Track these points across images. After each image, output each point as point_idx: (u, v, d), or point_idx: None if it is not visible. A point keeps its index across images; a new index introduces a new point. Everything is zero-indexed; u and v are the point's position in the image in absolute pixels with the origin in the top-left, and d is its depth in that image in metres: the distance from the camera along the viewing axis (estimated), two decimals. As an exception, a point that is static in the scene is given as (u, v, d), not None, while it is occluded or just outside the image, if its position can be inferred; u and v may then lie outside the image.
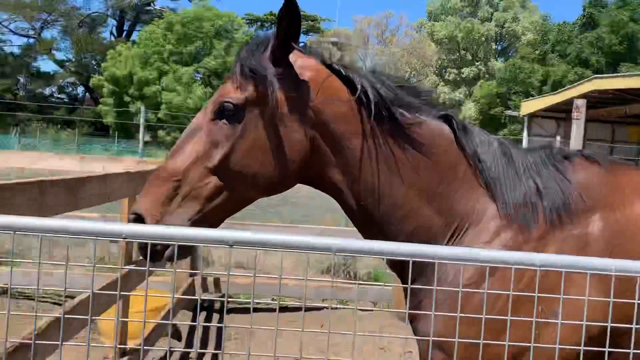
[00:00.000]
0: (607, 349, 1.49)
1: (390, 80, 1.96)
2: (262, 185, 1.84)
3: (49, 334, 2.45)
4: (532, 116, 28.56)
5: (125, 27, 61.50)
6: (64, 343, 2.61)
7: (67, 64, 58.24)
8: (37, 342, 2.32)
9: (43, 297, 6.07)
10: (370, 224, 1.93)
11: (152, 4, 60.78)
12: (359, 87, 1.88)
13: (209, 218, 1.77)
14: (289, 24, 1.78)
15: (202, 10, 45.96)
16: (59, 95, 60.53)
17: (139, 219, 1.75)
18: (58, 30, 59.55)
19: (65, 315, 2.50)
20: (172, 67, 43.44)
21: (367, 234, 1.95)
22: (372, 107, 1.85)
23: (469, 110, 52.66)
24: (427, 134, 1.92)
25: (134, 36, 58.32)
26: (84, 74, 55.91)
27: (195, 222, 1.75)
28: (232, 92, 1.83)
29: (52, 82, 57.74)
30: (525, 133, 29.34)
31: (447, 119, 2.00)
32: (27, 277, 5.41)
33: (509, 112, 39.14)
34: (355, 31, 46.30)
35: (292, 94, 1.82)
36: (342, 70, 1.93)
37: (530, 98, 31.72)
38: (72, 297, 5.07)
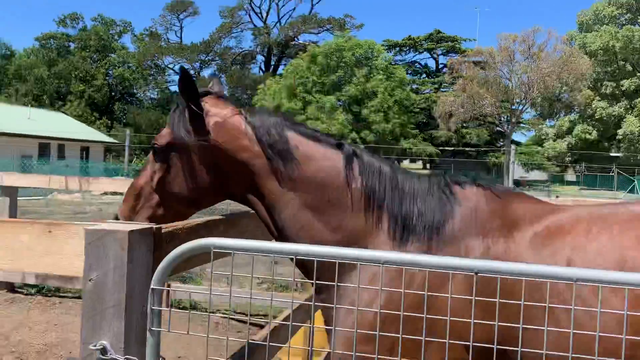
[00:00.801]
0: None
1: (289, 120, 2.30)
2: (186, 203, 2.32)
3: (255, 354, 2.74)
4: None
5: (272, 62, 65.69)
6: None
7: (222, 99, 63.69)
8: None
9: (223, 312, 6.69)
10: (279, 233, 2.23)
11: (296, 39, 64.36)
12: (250, 122, 2.25)
13: (161, 222, 2.15)
14: (188, 95, 2.25)
15: (343, 42, 47.60)
16: (215, 128, 66.19)
17: (116, 218, 2.40)
18: (214, 69, 65.55)
19: (271, 343, 2.77)
20: (315, 97, 45.39)
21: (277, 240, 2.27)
22: (262, 135, 2.20)
23: (631, 125, 47.84)
24: (317, 157, 2.18)
25: (280, 70, 62.10)
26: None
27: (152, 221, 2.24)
28: (159, 138, 2.35)
29: (209, 116, 63.54)
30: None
31: (340, 147, 2.23)
32: (204, 292, 6.04)
33: (681, 126, 34.85)
34: (499, 48, 44.68)
35: (202, 137, 2.22)
36: (241, 110, 2.30)
37: None
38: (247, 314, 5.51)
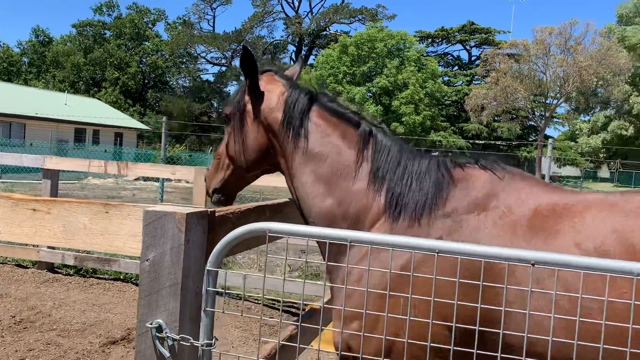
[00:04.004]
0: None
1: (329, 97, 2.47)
2: (244, 168, 2.55)
3: (291, 341, 2.78)
4: None
5: (304, 52, 65.63)
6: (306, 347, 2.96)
7: (253, 88, 63.97)
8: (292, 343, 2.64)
9: (257, 299, 6.79)
10: (299, 204, 2.42)
11: (327, 29, 64.12)
12: (286, 98, 2.43)
13: (230, 183, 2.62)
14: (247, 70, 2.46)
15: (375, 32, 47.24)
16: (245, 117, 66.66)
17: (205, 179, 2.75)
18: (245, 58, 65.92)
19: (303, 324, 2.80)
20: (346, 87, 45.23)
21: (299, 210, 2.45)
22: (289, 110, 2.39)
23: (670, 122, 46.37)
24: (339, 134, 2.34)
25: (311, 60, 61.99)
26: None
27: (223, 185, 2.63)
28: (225, 109, 2.64)
29: (239, 105, 63.91)
30: None
31: (359, 126, 2.36)
32: (238, 277, 6.12)
33: None
34: (534, 41, 43.74)
35: (255, 108, 2.47)
36: (287, 87, 2.48)
37: None
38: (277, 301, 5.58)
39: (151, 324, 1.74)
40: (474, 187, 2.09)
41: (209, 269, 1.71)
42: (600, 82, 45.22)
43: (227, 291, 6.94)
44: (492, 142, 54.70)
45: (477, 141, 53.99)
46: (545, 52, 43.56)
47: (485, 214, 2.00)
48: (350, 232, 1.67)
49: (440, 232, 2.01)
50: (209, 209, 1.88)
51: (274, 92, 2.46)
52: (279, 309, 6.58)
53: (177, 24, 66.23)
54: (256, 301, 6.71)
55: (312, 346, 5.06)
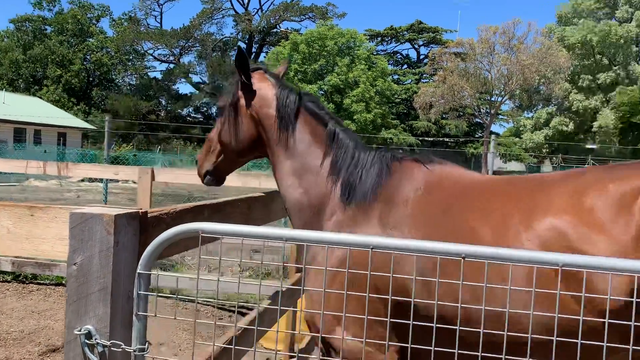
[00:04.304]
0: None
1: (309, 97, 2.78)
2: (235, 152, 2.87)
3: (239, 340, 2.74)
4: (685, 124, 25.78)
5: (254, 49, 65.14)
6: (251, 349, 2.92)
7: (203, 85, 62.93)
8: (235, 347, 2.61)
9: (208, 300, 6.67)
10: (280, 190, 2.74)
11: (278, 27, 63.88)
12: (277, 97, 2.73)
13: (220, 166, 2.94)
14: (241, 68, 2.74)
15: (325, 30, 47.39)
16: (195, 115, 65.50)
17: (196, 161, 3.05)
18: (194, 56, 64.72)
19: (247, 327, 2.77)
20: (298, 85, 45.22)
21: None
22: (282, 104, 2.69)
23: (606, 118, 48.63)
24: (310, 131, 2.66)
25: (262, 57, 61.62)
26: (217, 95, 60.03)
27: (215, 168, 2.94)
28: (220, 101, 2.96)
29: (189, 103, 62.73)
30: (676, 142, 26.52)
31: (325, 124, 2.67)
32: (192, 282, 5.98)
33: (655, 120, 35.56)
34: (479, 40, 44.95)
35: (247, 102, 2.77)
36: (277, 86, 2.78)
37: (682, 104, 28.60)
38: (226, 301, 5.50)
39: (80, 330, 1.67)
40: (406, 176, 2.41)
41: (140, 272, 1.66)
42: (542, 80, 46.94)
43: (159, 294, 6.81)
44: (441, 138, 55.94)
45: (426, 138, 55.07)
46: (490, 51, 44.82)
47: (413, 198, 2.33)
48: (286, 231, 1.65)
49: (377, 216, 2.34)
50: (141, 210, 1.82)
51: (265, 89, 2.76)
52: (229, 310, 6.51)
53: (122, 20, 64.33)
54: (206, 303, 6.61)
55: (261, 345, 5.03)
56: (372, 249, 1.59)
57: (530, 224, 2.00)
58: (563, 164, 51.05)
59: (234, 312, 6.34)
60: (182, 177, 6.98)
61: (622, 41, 51.11)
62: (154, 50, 64.17)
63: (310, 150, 2.63)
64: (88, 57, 59.42)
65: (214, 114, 65.00)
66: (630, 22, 52.62)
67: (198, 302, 6.53)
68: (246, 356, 4.98)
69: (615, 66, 52.50)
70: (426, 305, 2.02)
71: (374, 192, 2.38)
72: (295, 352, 4.04)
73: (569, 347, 1.66)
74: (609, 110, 48.93)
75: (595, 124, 50.13)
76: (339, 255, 2.27)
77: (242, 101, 2.77)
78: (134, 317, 1.67)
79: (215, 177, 2.97)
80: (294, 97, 2.69)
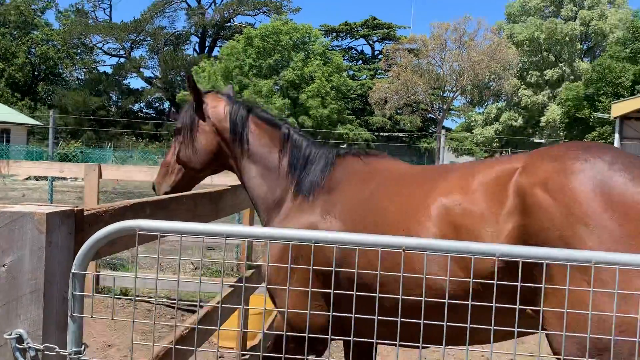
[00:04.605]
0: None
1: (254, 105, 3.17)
2: (196, 170, 3.17)
3: (185, 340, 2.69)
4: (624, 118, 26.98)
5: (207, 44, 64.18)
6: (198, 349, 2.88)
7: (155, 80, 61.58)
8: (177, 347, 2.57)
9: (159, 300, 6.53)
10: (247, 191, 3.07)
11: (231, 21, 63.13)
12: (230, 112, 3.08)
13: (179, 185, 3.19)
14: (194, 93, 3.10)
15: (280, 24, 47.14)
16: (147, 110, 64.08)
17: (154, 187, 3.34)
18: (146, 50, 63.26)
19: (199, 326, 2.73)
20: (253, 80, 44.83)
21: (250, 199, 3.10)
22: (235, 117, 3.03)
23: (553, 113, 50.36)
24: (267, 136, 3.00)
25: (216, 52, 60.81)
26: (170, 90, 58.83)
27: (173, 188, 3.18)
28: (177, 123, 3.24)
29: (140, 98, 61.27)
30: (616, 136, 27.75)
31: (280, 128, 3.01)
32: (143, 280, 5.86)
33: (598, 115, 37.11)
34: (432, 36, 45.73)
35: (202, 120, 3.10)
36: (229, 103, 3.12)
37: (622, 99, 29.93)
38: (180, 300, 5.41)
39: (10, 334, 1.60)
40: (346, 169, 2.75)
41: (75, 272, 1.60)
42: (492, 76, 48.19)
43: (96, 294, 6.65)
44: (395, 134, 56.64)
45: (381, 133, 55.68)
46: (442, 48, 45.68)
47: (348, 187, 2.66)
48: (226, 227, 1.63)
49: (319, 205, 2.66)
50: (76, 208, 1.76)
51: (219, 107, 3.09)
52: (179, 309, 6.40)
53: (69, 13, 62.16)
54: (158, 302, 6.48)
55: (213, 340, 4.97)
56: (314, 243, 1.59)
57: (427, 203, 2.30)
58: (512, 158, 52.53)
59: (186, 311, 6.24)
60: (132, 173, 6.80)
61: (567, 39, 53.04)
62: (103, 44, 62.42)
63: (270, 153, 2.96)
64: (33, 50, 57.14)
65: (167, 109, 63.79)
66: (574, 21, 54.64)
67: (152, 303, 6.40)
68: (198, 354, 4.91)
69: (561, 62, 54.42)
70: (348, 275, 2.38)
71: (317, 185, 2.71)
72: (247, 350, 4.02)
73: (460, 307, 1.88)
74: (556, 105, 50.69)
75: (543, 119, 51.84)
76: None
77: (199, 121, 3.10)
78: (69, 319, 1.61)
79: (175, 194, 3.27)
80: (244, 110, 3.04)
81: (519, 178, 2.09)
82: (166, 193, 3.13)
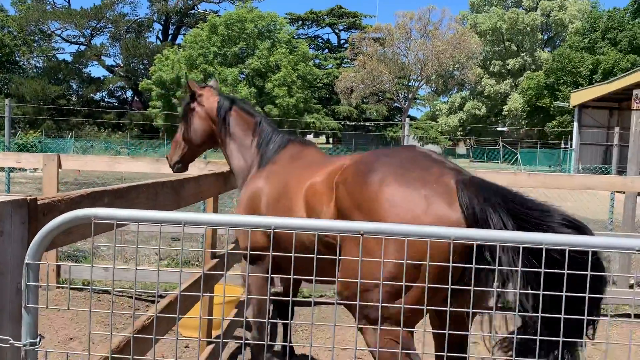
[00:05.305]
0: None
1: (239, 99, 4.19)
2: (196, 145, 4.21)
3: (146, 330, 2.66)
4: (583, 107, 27.77)
5: (171, 31, 62.97)
6: (158, 337, 2.86)
7: (117, 68, 60.13)
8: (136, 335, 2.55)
9: (121, 291, 6.44)
10: (229, 164, 4.06)
11: (195, 8, 62.05)
12: (218, 103, 4.07)
13: (185, 157, 4.30)
14: (191, 90, 4.15)
15: (245, 12, 46.61)
16: (109, 100, 62.59)
17: (167, 157, 4.48)
18: (107, 37, 61.66)
19: (159, 315, 2.71)
20: (218, 68, 44.26)
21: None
22: (221, 107, 4.02)
23: (515, 102, 51.49)
24: (244, 122, 3.97)
25: (179, 40, 59.71)
26: (133, 78, 57.57)
27: (181, 159, 4.30)
28: (182, 111, 4.28)
29: (102, 87, 59.73)
30: (575, 124, 28.55)
31: (254, 117, 3.98)
32: (106, 272, 5.75)
33: (557, 104, 38.08)
34: (397, 26, 45.99)
35: (198, 108, 4.11)
36: (219, 96, 4.11)
37: (581, 88, 30.78)
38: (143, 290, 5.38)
39: (-40, 328, 1.56)
40: (288, 151, 3.67)
41: (28, 262, 1.57)
42: (456, 66, 48.85)
43: (56, 286, 6.53)
44: (362, 123, 56.97)
45: (348, 122, 55.90)
46: (407, 37, 46.02)
47: (284, 163, 3.53)
48: (185, 215, 1.62)
49: (265, 175, 3.51)
50: (29, 197, 1.71)
51: (213, 100, 4.07)
52: (145, 300, 6.34)
53: (25, -2, 59.93)
54: (121, 294, 6.40)
55: (182, 333, 4.93)
56: (273, 229, 1.60)
57: (299, 186, 3.00)
58: (476, 146, 53.64)
59: (148, 301, 6.17)
60: (92, 164, 6.65)
61: (528, 29, 54.12)
62: (62, 31, 60.54)
63: (245, 135, 3.93)
64: (-13, 37, 54.98)
65: (130, 98, 62.52)
66: (535, 11, 55.75)
67: (113, 293, 6.30)
68: (164, 344, 4.87)
69: (522, 52, 55.55)
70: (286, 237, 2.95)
71: (269, 160, 3.67)
72: (212, 338, 4.01)
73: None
74: (518, 94, 51.83)
75: (506, 108, 52.93)
76: (244, 203, 3.58)
77: (198, 108, 4.09)
78: (23, 311, 1.58)
79: (182, 163, 4.32)
80: (229, 102, 4.01)
81: (337, 177, 2.73)
82: (176, 162, 4.27)
